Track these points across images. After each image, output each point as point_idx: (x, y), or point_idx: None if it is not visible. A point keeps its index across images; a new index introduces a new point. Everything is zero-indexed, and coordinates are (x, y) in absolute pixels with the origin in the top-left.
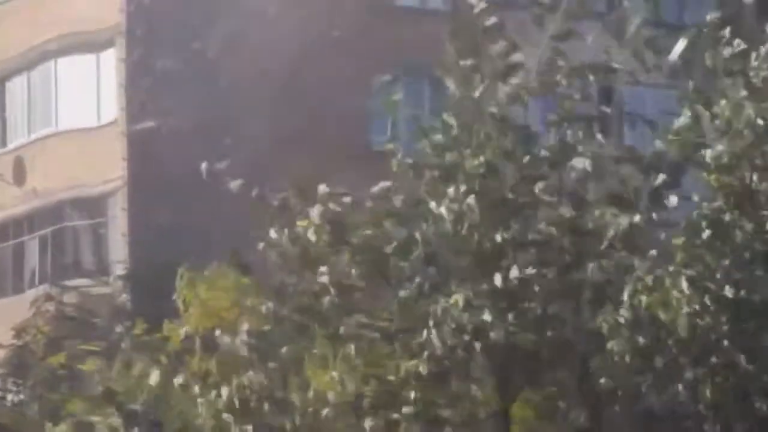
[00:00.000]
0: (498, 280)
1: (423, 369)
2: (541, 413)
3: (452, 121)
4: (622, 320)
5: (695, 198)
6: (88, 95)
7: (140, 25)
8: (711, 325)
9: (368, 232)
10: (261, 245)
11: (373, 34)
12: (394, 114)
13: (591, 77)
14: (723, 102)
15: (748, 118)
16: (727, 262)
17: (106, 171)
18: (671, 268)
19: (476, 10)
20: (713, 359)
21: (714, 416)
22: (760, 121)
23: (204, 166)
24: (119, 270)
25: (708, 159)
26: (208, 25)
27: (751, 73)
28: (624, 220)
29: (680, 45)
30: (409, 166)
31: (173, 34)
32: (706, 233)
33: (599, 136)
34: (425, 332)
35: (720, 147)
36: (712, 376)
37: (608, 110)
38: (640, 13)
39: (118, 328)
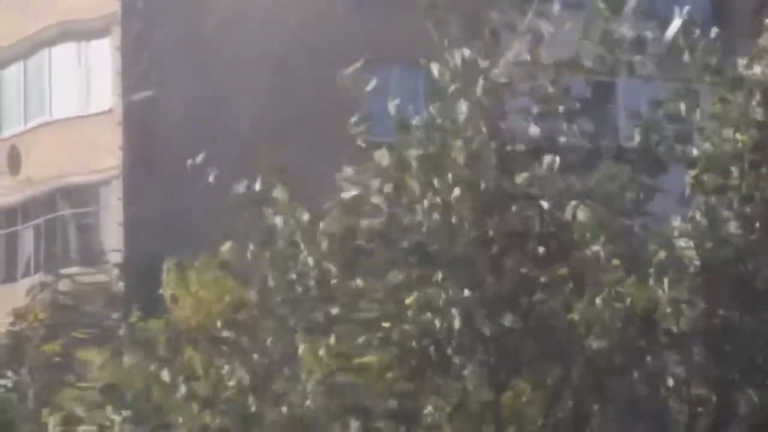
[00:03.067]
0: (488, 271)
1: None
2: (531, 402)
3: (437, 111)
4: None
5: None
6: (82, 84)
7: (135, 11)
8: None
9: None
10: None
11: (368, 21)
12: (365, 103)
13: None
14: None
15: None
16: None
17: (101, 160)
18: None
19: None
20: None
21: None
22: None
23: (189, 162)
24: (115, 258)
25: (695, 156)
26: (203, 9)
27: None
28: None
29: (674, 26)
30: (393, 158)
31: (168, 19)
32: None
33: (575, 128)
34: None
35: (708, 145)
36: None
37: (589, 101)
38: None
39: (114, 316)
